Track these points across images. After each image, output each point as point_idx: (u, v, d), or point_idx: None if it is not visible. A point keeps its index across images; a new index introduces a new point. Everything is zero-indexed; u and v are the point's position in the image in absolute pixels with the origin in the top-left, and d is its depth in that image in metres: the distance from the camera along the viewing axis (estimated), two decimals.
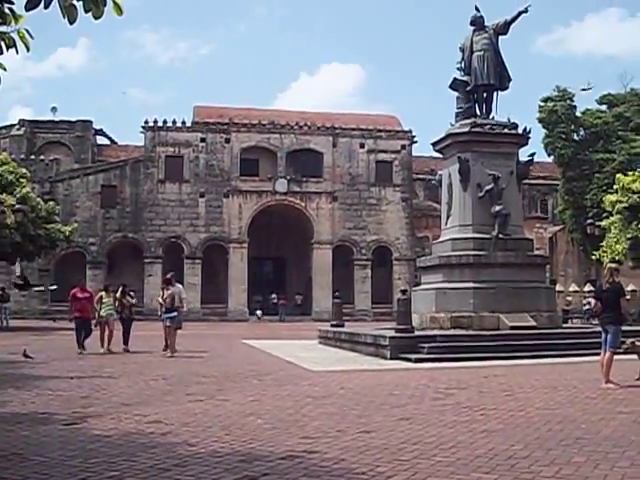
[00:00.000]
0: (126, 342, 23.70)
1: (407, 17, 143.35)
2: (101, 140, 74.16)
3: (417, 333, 21.30)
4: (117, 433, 9.25)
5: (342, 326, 28.45)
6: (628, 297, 14.36)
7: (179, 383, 14.86)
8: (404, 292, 22.46)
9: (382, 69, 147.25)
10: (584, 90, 25.30)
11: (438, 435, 9.00)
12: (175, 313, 22.69)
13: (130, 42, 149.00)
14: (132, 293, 25.49)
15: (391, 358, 19.71)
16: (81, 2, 5.98)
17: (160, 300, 23.75)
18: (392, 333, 21.17)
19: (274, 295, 62.00)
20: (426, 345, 19.99)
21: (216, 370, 17.63)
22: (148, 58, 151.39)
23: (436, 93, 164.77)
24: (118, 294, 24.34)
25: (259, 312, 58.66)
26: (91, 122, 70.20)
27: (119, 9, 6.16)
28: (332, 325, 28.86)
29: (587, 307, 45.85)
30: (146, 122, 61.85)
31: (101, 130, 73.63)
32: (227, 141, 62.17)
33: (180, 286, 24.92)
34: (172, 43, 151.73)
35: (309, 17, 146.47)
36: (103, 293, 24.22)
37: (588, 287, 54.06)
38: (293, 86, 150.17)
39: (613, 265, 15.28)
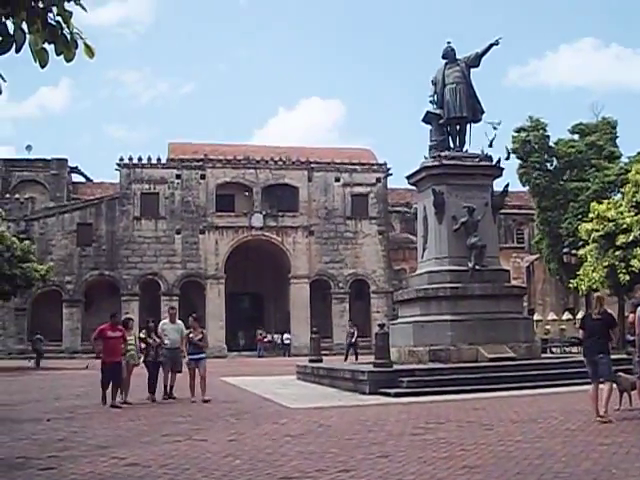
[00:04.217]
0: (153, 390, 20.04)
1: (385, 49, 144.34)
2: (76, 178, 74.14)
3: (396, 367, 21.16)
4: (93, 477, 9.12)
5: (320, 361, 28.18)
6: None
7: (155, 424, 14.67)
8: (382, 326, 22.37)
9: (361, 104, 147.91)
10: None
11: (417, 473, 8.90)
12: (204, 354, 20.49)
13: (112, 81, 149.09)
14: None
15: (370, 393, 19.54)
16: (52, 46, 5.97)
17: (195, 340, 20.20)
18: (371, 368, 21.08)
19: (260, 331, 61.63)
20: (405, 379, 19.85)
21: (193, 409, 17.45)
22: (129, 96, 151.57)
23: (413, 126, 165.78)
24: (142, 332, 20.83)
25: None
26: (66, 160, 70.02)
27: (91, 52, 6.15)
28: (310, 360, 28.62)
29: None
30: (121, 159, 61.80)
31: (76, 168, 73.51)
32: (202, 177, 62.19)
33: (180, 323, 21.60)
34: (153, 82, 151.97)
35: (290, 53, 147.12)
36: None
37: (567, 315, 54.15)
38: (271, 122, 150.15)
39: (600, 294, 15.11)
